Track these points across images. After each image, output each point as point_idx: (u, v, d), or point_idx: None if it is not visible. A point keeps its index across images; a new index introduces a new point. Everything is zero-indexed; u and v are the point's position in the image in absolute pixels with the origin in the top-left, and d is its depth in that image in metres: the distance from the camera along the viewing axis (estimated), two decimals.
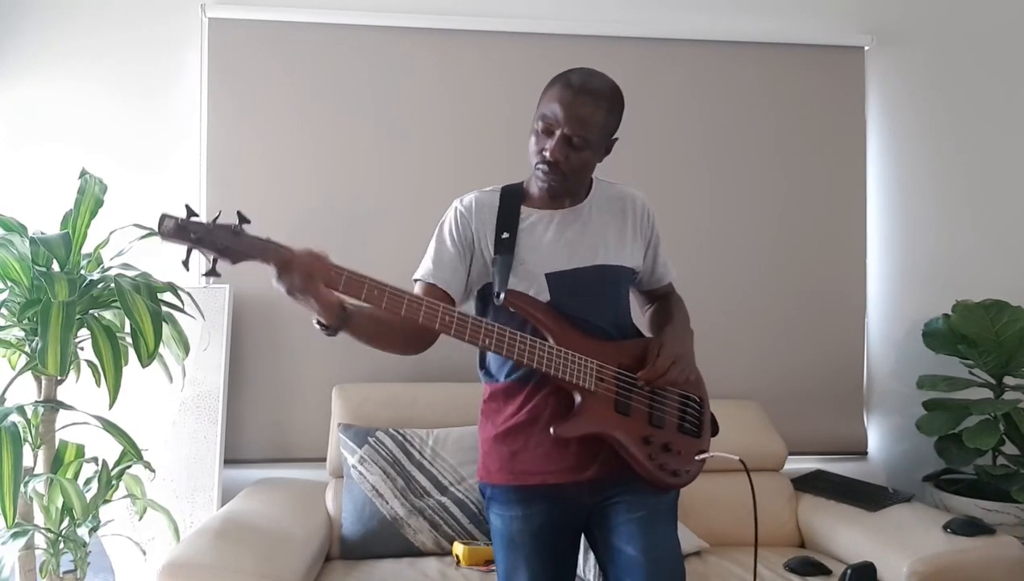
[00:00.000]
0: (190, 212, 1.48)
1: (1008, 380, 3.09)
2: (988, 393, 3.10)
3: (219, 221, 1.49)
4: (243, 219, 1.51)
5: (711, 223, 3.18)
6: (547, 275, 1.69)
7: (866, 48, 3.26)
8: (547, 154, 1.65)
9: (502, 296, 1.65)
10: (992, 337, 3.01)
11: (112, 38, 2.96)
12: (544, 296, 1.69)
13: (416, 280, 1.75)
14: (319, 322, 1.56)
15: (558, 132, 1.64)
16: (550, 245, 1.71)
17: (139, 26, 2.97)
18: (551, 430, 1.63)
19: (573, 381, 1.64)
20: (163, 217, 1.46)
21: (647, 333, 1.88)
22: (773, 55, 3.22)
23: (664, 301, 1.92)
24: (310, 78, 3.01)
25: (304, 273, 1.48)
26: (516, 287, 1.68)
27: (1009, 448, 3.01)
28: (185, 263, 1.50)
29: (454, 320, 1.57)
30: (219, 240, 1.48)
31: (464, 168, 3.04)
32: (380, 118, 3.04)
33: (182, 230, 1.46)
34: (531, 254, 1.70)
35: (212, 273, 1.50)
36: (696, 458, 1.76)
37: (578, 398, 1.66)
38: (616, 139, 1.73)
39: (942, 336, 3.13)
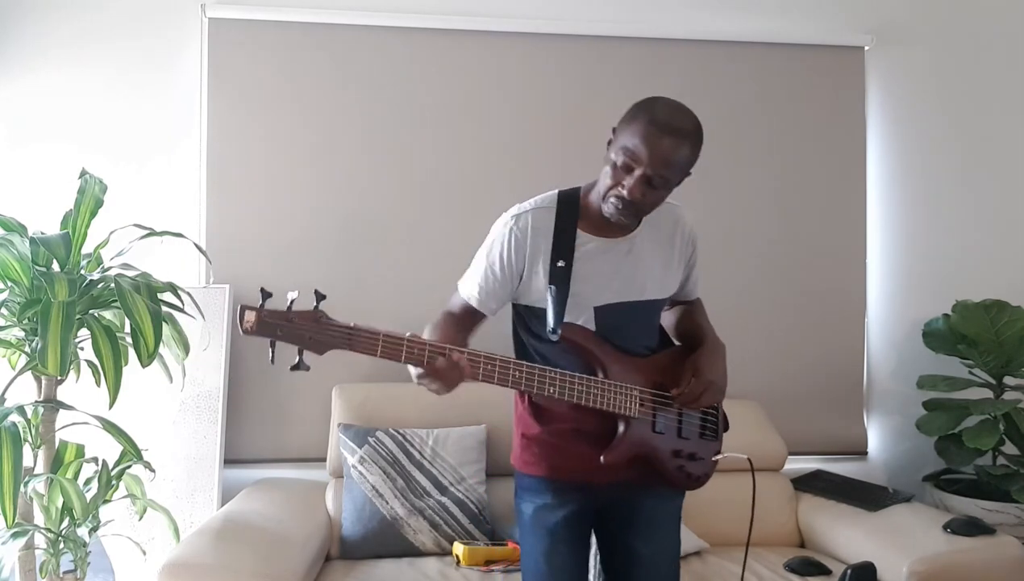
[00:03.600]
0: (265, 295, 1.43)
1: (1008, 380, 3.09)
2: (988, 393, 3.10)
3: (296, 308, 1.44)
4: (320, 297, 1.47)
5: (711, 223, 3.15)
6: (596, 308, 1.70)
7: (866, 48, 3.26)
8: (624, 192, 1.61)
9: (559, 332, 1.66)
10: (992, 337, 3.01)
11: (112, 38, 2.96)
12: (590, 326, 1.70)
13: (461, 295, 1.76)
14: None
15: (639, 171, 1.59)
16: (602, 277, 1.70)
17: (139, 26, 2.96)
18: (601, 459, 1.67)
19: (619, 411, 1.67)
20: (243, 310, 1.42)
21: (667, 329, 1.90)
22: (773, 55, 3.22)
23: (689, 309, 1.94)
24: (310, 78, 3.01)
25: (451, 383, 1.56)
26: (565, 318, 1.68)
27: (1009, 448, 3.01)
28: (272, 358, 1.45)
29: (523, 376, 1.60)
30: (305, 333, 1.44)
31: (464, 166, 3.04)
32: (380, 118, 3.03)
33: (265, 326, 1.42)
34: (583, 285, 1.69)
35: (299, 366, 1.45)
36: (712, 459, 1.82)
37: (621, 426, 1.70)
38: (690, 173, 1.69)
39: (942, 336, 3.13)
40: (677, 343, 1.88)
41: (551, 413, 1.73)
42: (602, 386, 1.66)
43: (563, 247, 1.68)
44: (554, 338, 1.67)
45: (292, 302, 1.45)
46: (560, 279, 1.66)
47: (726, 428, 1.87)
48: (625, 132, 1.61)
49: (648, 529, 1.78)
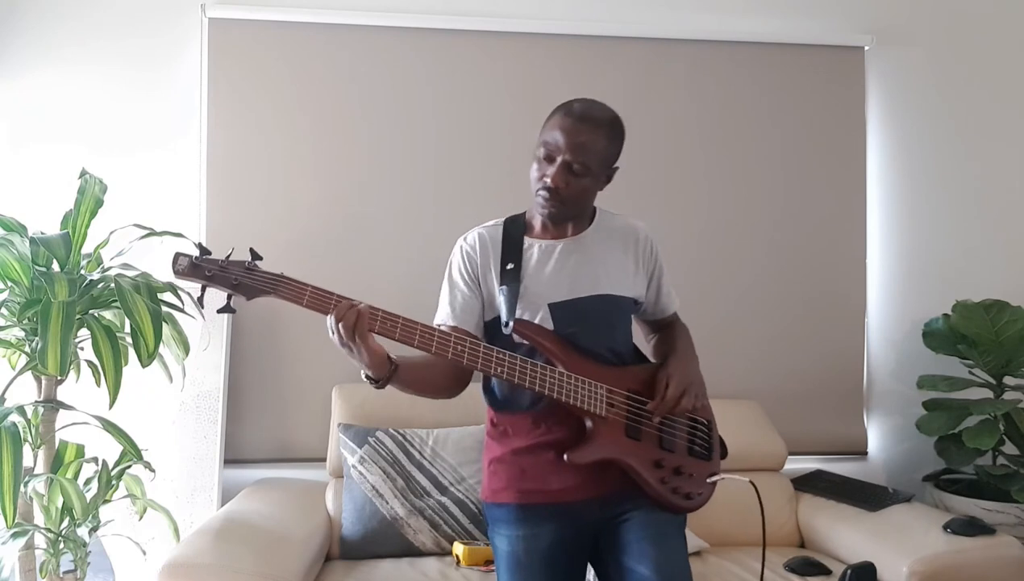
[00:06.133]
0: (203, 250, 1.52)
1: (1008, 380, 3.09)
2: (988, 393, 3.10)
3: (232, 258, 1.53)
4: (255, 255, 1.55)
5: (711, 223, 3.18)
6: (550, 305, 1.71)
7: (866, 48, 3.26)
8: (548, 180, 1.67)
9: (511, 325, 1.67)
10: (992, 337, 3.01)
11: (112, 38, 2.96)
12: (547, 325, 1.70)
13: (438, 326, 1.76)
14: (367, 376, 1.61)
15: (559, 159, 1.66)
16: (553, 275, 1.73)
17: (139, 26, 2.96)
18: (565, 457, 1.64)
19: (584, 407, 1.65)
20: (177, 255, 1.51)
21: (652, 359, 1.89)
22: (773, 55, 3.22)
23: (668, 330, 1.93)
24: (310, 78, 3.00)
25: (348, 326, 1.52)
26: (522, 317, 1.70)
27: (1009, 448, 3.01)
28: (200, 300, 1.55)
29: (466, 349, 1.59)
30: (233, 277, 1.52)
31: (464, 166, 3.04)
32: (380, 118, 3.03)
33: (196, 268, 1.51)
34: (535, 284, 1.72)
35: (227, 309, 1.55)
36: (708, 480, 1.77)
37: (589, 424, 1.67)
38: (617, 168, 1.74)
39: (942, 336, 3.13)
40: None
41: (513, 430, 1.72)
42: (560, 376, 1.63)
43: (511, 252, 1.74)
44: (507, 332, 1.67)
45: (229, 255, 1.54)
46: (510, 279, 1.71)
47: (725, 453, 1.84)
48: (545, 128, 1.71)
49: (643, 545, 1.66)
